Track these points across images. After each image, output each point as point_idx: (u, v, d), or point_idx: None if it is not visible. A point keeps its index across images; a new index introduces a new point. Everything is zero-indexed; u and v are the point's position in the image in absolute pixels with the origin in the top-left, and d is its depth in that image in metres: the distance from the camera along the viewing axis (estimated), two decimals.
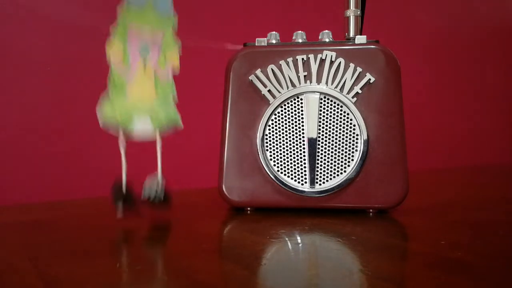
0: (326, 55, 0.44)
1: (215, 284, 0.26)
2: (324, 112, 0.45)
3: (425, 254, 0.31)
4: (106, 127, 0.40)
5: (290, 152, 0.45)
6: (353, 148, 0.44)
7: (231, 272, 0.28)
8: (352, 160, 0.44)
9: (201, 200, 0.53)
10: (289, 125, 0.45)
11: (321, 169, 0.44)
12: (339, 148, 0.44)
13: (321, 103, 0.45)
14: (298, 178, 0.45)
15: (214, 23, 0.71)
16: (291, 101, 0.45)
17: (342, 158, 0.44)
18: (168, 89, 0.42)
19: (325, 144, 0.44)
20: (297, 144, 0.45)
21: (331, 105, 0.45)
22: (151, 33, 0.41)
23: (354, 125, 0.44)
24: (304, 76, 0.45)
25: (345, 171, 0.44)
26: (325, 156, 0.44)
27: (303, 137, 0.45)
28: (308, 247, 0.34)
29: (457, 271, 0.28)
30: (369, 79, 0.44)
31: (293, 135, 0.45)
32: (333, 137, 0.44)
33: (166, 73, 0.42)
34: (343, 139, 0.44)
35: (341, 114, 0.44)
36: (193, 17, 0.69)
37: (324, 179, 0.44)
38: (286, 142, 0.45)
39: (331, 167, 0.44)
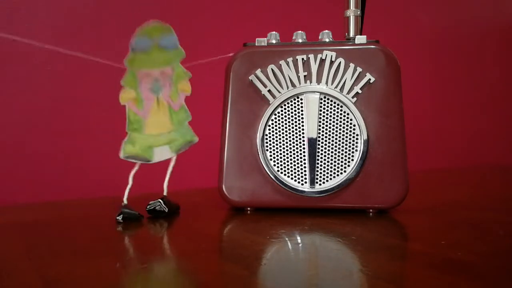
0: (326, 55, 0.44)
1: (215, 284, 0.26)
2: (324, 112, 0.45)
3: (425, 254, 0.31)
4: (128, 160, 0.42)
5: (290, 152, 0.45)
6: (353, 148, 0.44)
7: (231, 272, 0.28)
8: (352, 160, 0.44)
9: (201, 200, 0.53)
10: (289, 125, 0.45)
11: (321, 169, 0.44)
12: (339, 148, 0.44)
13: (321, 103, 0.45)
14: (298, 178, 0.45)
15: (214, 23, 0.71)
16: (291, 101, 0.45)
17: (342, 158, 0.44)
18: (182, 115, 0.44)
19: (325, 144, 0.44)
20: (297, 144, 0.45)
21: (331, 105, 0.45)
22: (160, 71, 0.42)
23: (354, 125, 0.44)
24: (304, 76, 0.45)
25: (345, 171, 0.44)
26: (325, 156, 0.44)
27: (303, 137, 0.45)
28: (308, 247, 0.34)
29: (457, 271, 0.28)
30: (369, 79, 0.44)
31: (293, 135, 0.45)
32: (333, 137, 0.44)
33: (179, 102, 0.44)
34: (343, 139, 0.44)
35: (341, 114, 0.44)
36: (193, 17, 0.69)
37: (324, 179, 0.44)
38: (286, 142, 0.45)
39: (331, 167, 0.44)
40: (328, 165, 0.44)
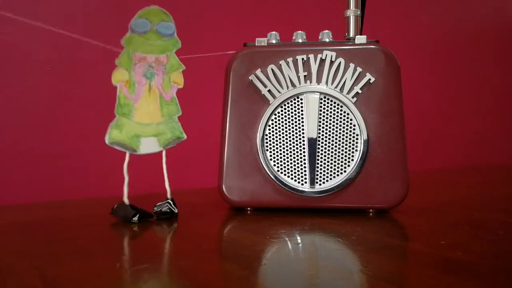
0: (326, 55, 0.44)
1: (215, 284, 0.26)
2: (324, 112, 0.45)
3: (425, 254, 0.31)
4: (113, 147, 0.41)
5: (290, 152, 0.45)
6: (353, 148, 0.44)
7: (231, 272, 0.28)
8: (352, 160, 0.44)
9: (201, 200, 0.53)
10: (289, 125, 0.45)
11: (321, 169, 0.44)
12: (339, 148, 0.44)
13: (321, 103, 0.45)
14: (298, 178, 0.45)
15: (214, 23, 0.71)
16: (291, 101, 0.45)
17: (342, 158, 0.44)
18: (173, 108, 0.43)
19: (325, 144, 0.44)
20: (297, 144, 0.45)
21: (331, 105, 0.45)
22: (155, 57, 0.42)
23: (354, 125, 0.44)
24: (304, 76, 0.45)
25: (345, 171, 0.44)
26: (325, 156, 0.44)
27: (303, 137, 0.45)
28: (308, 247, 0.34)
29: (457, 271, 0.28)
30: (369, 79, 0.44)
31: (293, 135, 0.45)
32: (333, 137, 0.44)
33: (170, 94, 0.43)
34: (343, 139, 0.44)
35: (341, 114, 0.44)
36: (193, 18, 0.69)
37: (324, 179, 0.44)
38: (286, 142, 0.45)
39: (331, 167, 0.44)
40: (328, 165, 0.44)
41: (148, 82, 0.42)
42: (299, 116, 0.45)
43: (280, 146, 0.45)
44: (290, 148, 0.45)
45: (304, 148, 0.44)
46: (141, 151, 0.42)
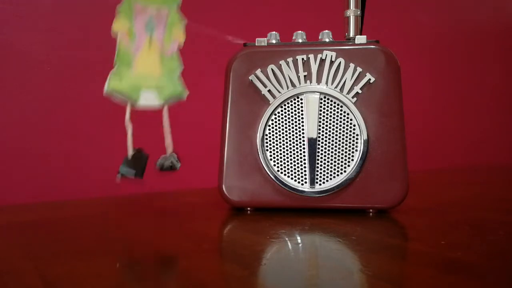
0: (326, 55, 0.44)
1: (215, 284, 0.26)
2: (324, 112, 0.45)
3: (425, 254, 0.31)
4: (111, 97, 0.40)
5: (290, 152, 0.45)
6: (353, 148, 0.44)
7: (231, 272, 0.28)
8: (352, 160, 0.44)
9: (201, 200, 0.53)
10: (289, 125, 0.45)
11: (321, 169, 0.44)
12: (339, 148, 0.44)
13: (321, 103, 0.45)
14: (298, 178, 0.45)
15: (214, 23, 0.71)
16: (291, 101, 0.45)
17: (342, 158, 0.44)
18: (174, 63, 0.42)
19: (325, 144, 0.44)
20: (297, 144, 0.45)
21: (331, 105, 0.45)
22: (156, 10, 0.41)
23: (354, 125, 0.44)
24: (304, 76, 0.45)
25: (345, 171, 0.44)
26: (325, 156, 0.44)
27: (303, 137, 0.45)
28: (308, 247, 0.34)
29: (457, 271, 0.28)
30: (369, 79, 0.44)
31: (293, 135, 0.45)
32: (333, 137, 0.44)
33: (171, 49, 0.42)
34: (343, 139, 0.44)
35: (341, 114, 0.44)
36: (193, 17, 0.69)
37: (324, 179, 0.44)
38: (286, 142, 0.45)
39: (331, 167, 0.44)
40: (328, 165, 0.44)
41: (148, 35, 0.41)
42: (299, 116, 0.45)
43: (280, 146, 0.45)
44: (290, 148, 0.45)
45: (304, 148, 0.44)
46: (141, 103, 0.41)
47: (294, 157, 0.45)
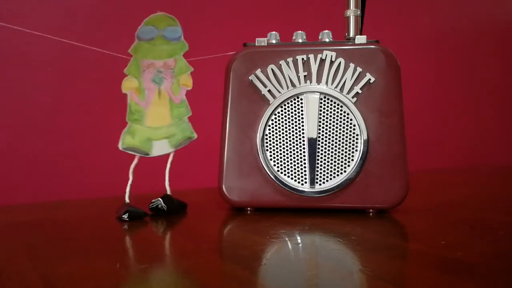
0: (326, 55, 0.44)
1: (215, 284, 0.26)
2: (324, 112, 0.45)
3: (425, 254, 0.31)
4: (126, 151, 0.42)
5: (290, 152, 0.45)
6: (353, 148, 0.44)
7: (231, 272, 0.28)
8: (352, 160, 0.44)
9: (201, 200, 0.53)
10: (289, 125, 0.45)
11: (321, 169, 0.44)
12: (339, 148, 0.44)
13: (321, 103, 0.45)
14: (298, 178, 0.45)
15: (214, 23, 0.71)
16: (291, 101, 0.45)
17: (342, 158, 0.44)
18: (182, 109, 0.44)
19: (325, 144, 0.44)
20: (297, 144, 0.45)
21: (331, 105, 0.45)
22: (163, 62, 0.42)
23: (354, 125, 0.44)
24: (304, 76, 0.45)
25: (345, 171, 0.44)
26: (325, 156, 0.44)
27: (303, 137, 0.45)
28: (308, 247, 0.34)
29: (457, 271, 0.28)
30: (369, 79, 0.44)
31: (293, 135, 0.45)
32: (333, 137, 0.44)
33: (180, 96, 0.44)
34: (343, 139, 0.44)
35: (341, 114, 0.44)
36: (192, 18, 0.69)
37: (324, 179, 0.44)
38: (286, 142, 0.45)
39: (331, 167, 0.44)
40: (328, 165, 0.44)
41: (157, 87, 0.43)
42: (299, 116, 0.45)
43: (280, 146, 0.45)
44: (290, 148, 0.45)
45: (304, 148, 0.44)
46: (153, 153, 0.43)
47: (294, 157, 0.45)
